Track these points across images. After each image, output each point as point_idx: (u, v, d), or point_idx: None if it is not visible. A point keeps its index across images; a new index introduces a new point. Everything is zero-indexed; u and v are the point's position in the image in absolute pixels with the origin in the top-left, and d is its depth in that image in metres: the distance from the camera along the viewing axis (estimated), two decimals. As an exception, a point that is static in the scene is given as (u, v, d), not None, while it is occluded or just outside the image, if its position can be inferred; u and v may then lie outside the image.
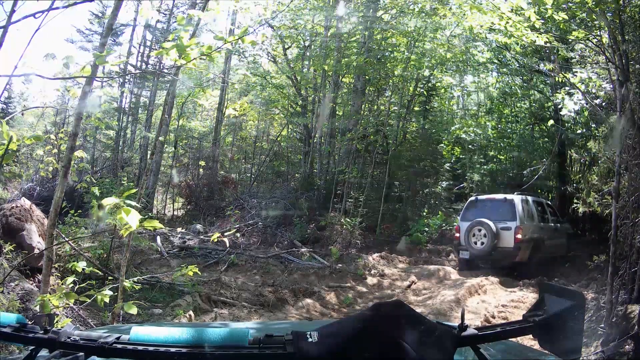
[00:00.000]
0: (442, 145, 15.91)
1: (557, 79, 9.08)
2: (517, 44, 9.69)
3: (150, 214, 13.22)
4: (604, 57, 5.61)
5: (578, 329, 0.97)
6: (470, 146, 15.53)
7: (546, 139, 14.22)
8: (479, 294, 7.29)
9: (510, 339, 1.19)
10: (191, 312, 5.25)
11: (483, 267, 9.22)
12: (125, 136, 19.48)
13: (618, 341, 3.81)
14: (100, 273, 5.24)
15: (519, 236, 8.58)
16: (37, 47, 2.76)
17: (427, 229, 12.57)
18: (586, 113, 9.74)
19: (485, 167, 15.25)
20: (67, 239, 4.94)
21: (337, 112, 16.49)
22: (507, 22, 6.35)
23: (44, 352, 0.98)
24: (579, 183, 8.12)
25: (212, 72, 17.07)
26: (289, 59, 16.73)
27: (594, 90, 6.22)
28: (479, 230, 8.91)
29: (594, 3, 5.11)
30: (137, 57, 19.01)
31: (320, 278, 8.23)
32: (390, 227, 13.21)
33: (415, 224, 12.90)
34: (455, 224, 10.25)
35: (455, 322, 1.12)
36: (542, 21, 6.52)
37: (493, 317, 5.96)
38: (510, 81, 15.87)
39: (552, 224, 9.93)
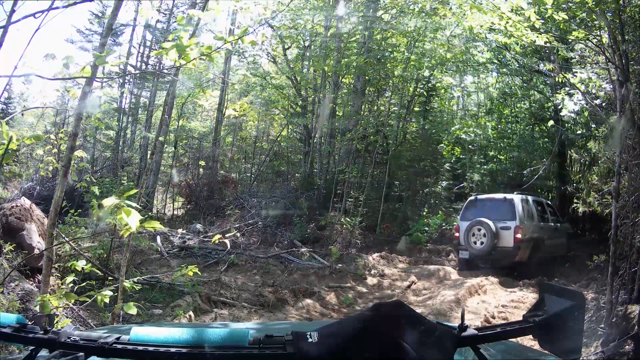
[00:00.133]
0: (442, 145, 15.91)
1: (557, 79, 9.09)
2: (517, 44, 9.67)
3: (150, 213, 13.22)
4: (604, 57, 5.61)
5: (578, 329, 0.97)
6: (470, 146, 15.51)
7: (546, 139, 14.21)
8: (479, 294, 7.29)
9: (510, 339, 1.19)
10: (191, 313, 5.25)
11: (483, 267, 9.21)
12: (125, 136, 19.47)
13: (618, 341, 3.80)
14: (100, 273, 5.23)
15: (519, 236, 8.57)
16: (37, 47, 2.76)
17: (427, 228, 12.57)
18: (586, 113, 9.73)
19: (485, 167, 15.24)
20: (67, 239, 4.93)
21: (337, 113, 16.48)
22: (507, 22, 6.36)
23: (44, 352, 0.99)
24: (579, 183, 8.11)
25: (212, 73, 17.12)
26: (288, 59, 16.72)
27: (594, 91, 6.21)
28: (479, 229, 8.89)
29: (594, 3, 5.11)
30: (137, 57, 19.02)
31: (320, 278, 8.23)
32: (390, 227, 13.21)
33: (415, 224, 12.91)
34: (455, 223, 10.24)
35: (455, 323, 1.12)
36: (542, 21, 6.52)
37: (493, 317, 5.96)
38: (510, 81, 15.87)
39: (552, 224, 9.91)
